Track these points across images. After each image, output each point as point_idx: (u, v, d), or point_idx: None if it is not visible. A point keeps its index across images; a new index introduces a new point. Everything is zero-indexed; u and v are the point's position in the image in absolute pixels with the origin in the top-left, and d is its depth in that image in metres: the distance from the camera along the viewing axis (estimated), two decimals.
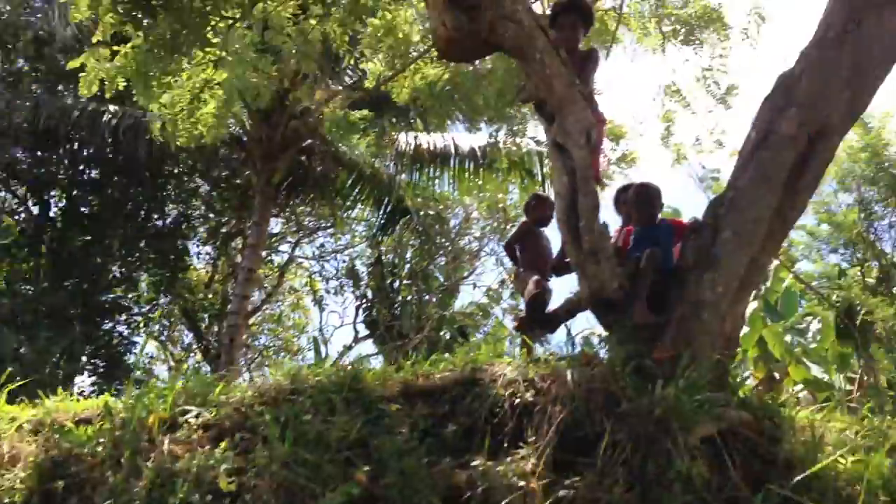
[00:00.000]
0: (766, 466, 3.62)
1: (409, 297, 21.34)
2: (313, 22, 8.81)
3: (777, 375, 18.54)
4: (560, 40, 5.12)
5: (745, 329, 19.51)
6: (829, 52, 4.80)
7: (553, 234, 5.66)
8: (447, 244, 20.03)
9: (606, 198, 5.89)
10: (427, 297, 21.21)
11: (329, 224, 19.00)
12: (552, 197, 5.84)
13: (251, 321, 20.16)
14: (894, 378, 16.93)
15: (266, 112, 12.46)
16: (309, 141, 14.07)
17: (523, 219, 6.26)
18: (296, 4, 8.40)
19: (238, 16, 7.83)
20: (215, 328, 18.44)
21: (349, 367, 4.16)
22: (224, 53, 7.57)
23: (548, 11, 6.03)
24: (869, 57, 4.77)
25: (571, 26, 5.39)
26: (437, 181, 15.25)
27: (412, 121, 13.41)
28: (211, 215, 17.72)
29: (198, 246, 18.85)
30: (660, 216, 5.22)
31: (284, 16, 8.49)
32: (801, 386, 17.61)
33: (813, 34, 4.87)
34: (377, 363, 18.81)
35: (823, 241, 15.99)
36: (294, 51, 8.86)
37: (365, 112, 10.45)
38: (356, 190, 15.88)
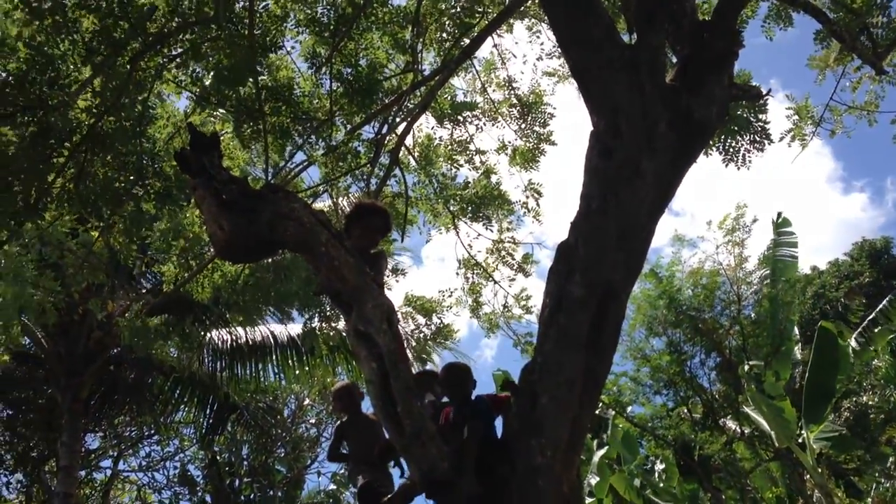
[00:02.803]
0: None
1: (251, 496, 20.32)
2: (95, 234, 8.53)
3: None
4: (357, 238, 5.13)
5: (596, 478, 19.76)
6: (596, 221, 5.02)
7: None
8: (284, 435, 19.29)
9: None
10: (271, 491, 20.23)
11: (153, 432, 17.85)
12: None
13: None
14: None
15: (63, 326, 11.75)
16: (117, 349, 13.33)
17: (339, 422, 6.14)
18: (72, 218, 8.10)
19: (3, 238, 7.47)
20: None
21: None
22: None
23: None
24: (633, 222, 5.04)
25: (375, 229, 5.40)
26: (261, 373, 14.76)
27: (223, 317, 13.05)
28: (16, 440, 16.19)
29: (6, 475, 17.14)
30: (476, 393, 5.16)
31: (62, 230, 8.20)
32: None
33: (578, 207, 5.13)
34: None
35: (647, 385, 16.60)
36: (77, 264, 8.50)
37: (164, 317, 10.02)
38: (177, 393, 15.12)
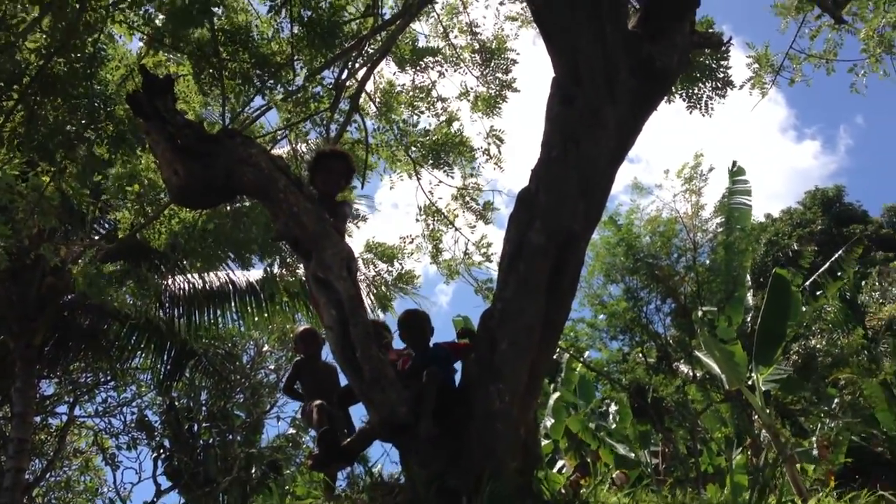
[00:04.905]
0: None
1: (210, 440, 20.35)
2: (46, 178, 8.31)
3: (590, 460, 19.13)
4: (321, 184, 5.09)
5: (552, 420, 20.13)
6: (556, 169, 5.04)
7: None
8: (243, 381, 19.29)
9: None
10: (230, 436, 20.29)
11: (109, 378, 17.73)
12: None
13: (35, 492, 18.32)
14: (691, 446, 17.81)
15: (13, 271, 11.50)
16: (71, 295, 13.12)
17: (297, 358, 6.30)
18: (22, 161, 7.87)
19: None
20: None
21: None
22: None
23: None
24: (593, 170, 5.05)
25: (338, 172, 5.37)
26: (220, 320, 14.66)
27: (179, 264, 12.88)
28: None
29: None
30: (434, 341, 5.24)
31: (11, 173, 7.97)
32: (612, 466, 18.18)
33: (539, 155, 5.12)
34: None
35: (603, 331, 16.87)
36: (28, 208, 8.28)
37: (119, 264, 9.84)
38: (133, 339, 14.99)
